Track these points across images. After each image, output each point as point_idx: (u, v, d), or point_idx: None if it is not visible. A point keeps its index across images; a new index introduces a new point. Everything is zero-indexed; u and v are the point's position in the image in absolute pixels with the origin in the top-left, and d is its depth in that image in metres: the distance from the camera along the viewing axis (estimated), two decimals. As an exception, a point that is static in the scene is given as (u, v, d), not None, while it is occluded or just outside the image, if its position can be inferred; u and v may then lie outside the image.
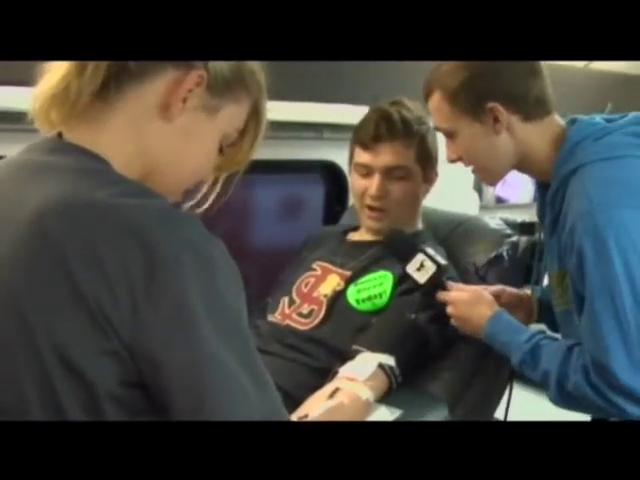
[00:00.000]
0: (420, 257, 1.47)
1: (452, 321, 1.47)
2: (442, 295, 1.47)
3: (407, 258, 1.48)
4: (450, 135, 1.37)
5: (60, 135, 0.87)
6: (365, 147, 1.65)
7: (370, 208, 1.66)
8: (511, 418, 1.58)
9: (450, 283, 1.49)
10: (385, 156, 1.63)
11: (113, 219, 0.75)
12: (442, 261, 1.49)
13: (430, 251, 1.49)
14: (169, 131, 0.87)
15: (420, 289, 1.50)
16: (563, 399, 1.28)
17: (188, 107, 0.87)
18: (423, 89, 1.39)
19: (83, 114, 0.85)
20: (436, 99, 1.36)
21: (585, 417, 1.50)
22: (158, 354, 0.74)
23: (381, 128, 1.62)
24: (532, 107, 1.34)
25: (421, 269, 1.47)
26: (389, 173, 1.63)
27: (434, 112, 1.38)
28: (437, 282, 1.48)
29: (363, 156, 1.65)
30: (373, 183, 1.63)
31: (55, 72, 0.85)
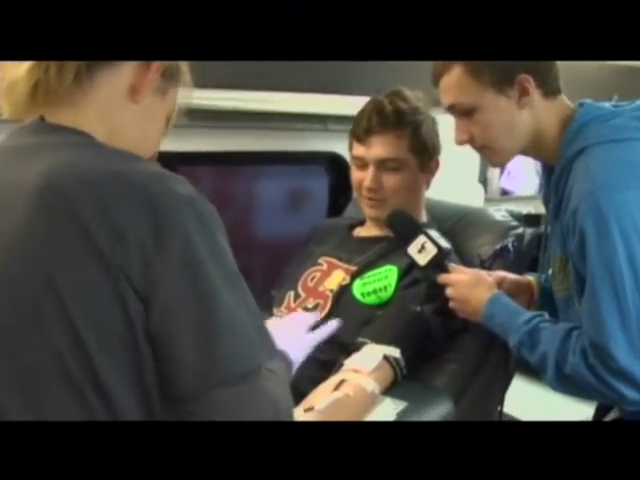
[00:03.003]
0: (422, 239, 1.47)
1: (451, 303, 1.47)
2: (442, 277, 1.47)
3: (409, 239, 1.48)
4: (469, 112, 1.34)
5: (42, 119, 0.90)
6: (359, 140, 1.66)
7: (368, 199, 1.67)
8: (512, 411, 1.58)
9: (451, 265, 1.49)
10: (377, 148, 1.63)
11: (119, 181, 0.80)
12: (443, 244, 1.48)
13: (432, 233, 1.49)
14: (136, 112, 0.94)
15: (421, 271, 1.50)
16: (560, 382, 1.27)
17: (149, 90, 0.94)
18: (436, 66, 1.35)
19: (60, 99, 0.89)
20: (456, 74, 1.32)
21: (586, 411, 1.51)
22: (171, 303, 0.78)
23: (373, 120, 1.63)
24: (551, 82, 1.34)
25: (422, 251, 1.47)
26: (383, 165, 1.64)
27: (453, 88, 1.34)
28: (438, 265, 1.47)
29: (358, 149, 1.67)
30: (367, 175, 1.64)
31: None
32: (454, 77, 1.33)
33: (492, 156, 1.41)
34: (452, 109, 1.37)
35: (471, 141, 1.37)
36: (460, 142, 1.38)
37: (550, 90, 1.33)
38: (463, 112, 1.35)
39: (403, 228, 1.52)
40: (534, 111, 1.33)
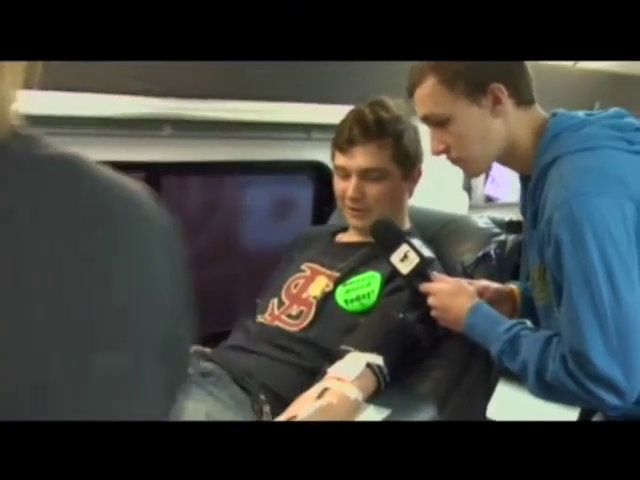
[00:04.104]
0: (404, 248, 1.48)
1: (433, 312, 1.47)
2: (424, 286, 1.48)
3: (392, 247, 1.49)
4: (443, 122, 1.35)
5: None
6: (341, 150, 1.67)
7: (351, 209, 1.68)
8: (496, 416, 1.59)
9: (433, 273, 1.50)
10: (359, 158, 1.64)
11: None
12: (426, 253, 1.49)
13: (415, 243, 1.49)
14: None
15: (403, 279, 1.51)
16: (541, 389, 1.28)
17: None
18: (411, 77, 1.36)
19: None
20: (430, 84, 1.33)
21: (569, 416, 1.52)
22: None
23: (354, 130, 1.64)
24: (524, 92, 1.35)
25: (404, 260, 1.48)
26: (365, 175, 1.65)
27: (427, 98, 1.35)
28: (420, 274, 1.48)
29: (340, 159, 1.67)
30: (350, 185, 1.65)
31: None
32: (428, 88, 1.34)
33: (466, 167, 1.42)
34: (426, 120, 1.38)
35: (447, 151, 1.38)
36: (436, 152, 1.39)
37: (523, 100, 1.35)
38: (437, 123, 1.36)
39: (386, 236, 1.53)
40: (507, 121, 1.34)
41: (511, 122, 1.34)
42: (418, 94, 1.36)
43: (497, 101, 1.32)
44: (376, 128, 1.63)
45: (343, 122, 1.68)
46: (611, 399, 1.20)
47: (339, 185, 1.70)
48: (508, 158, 1.39)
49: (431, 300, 1.47)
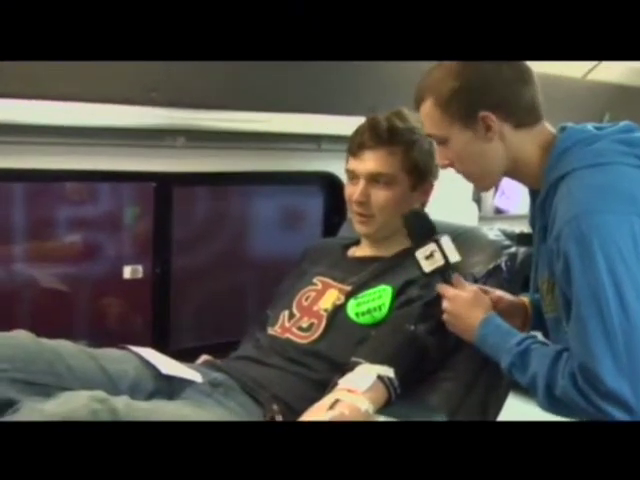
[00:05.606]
0: (432, 246, 1.47)
1: (445, 316, 1.48)
2: (443, 288, 1.48)
3: (421, 241, 1.48)
4: (442, 141, 1.38)
5: None
6: (353, 154, 1.70)
7: (357, 214, 1.69)
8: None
9: (455, 275, 1.49)
10: (368, 163, 1.66)
11: None
12: (452, 259, 1.48)
13: (444, 245, 1.48)
14: None
15: (423, 276, 1.50)
16: (551, 404, 1.28)
17: None
18: (415, 95, 1.39)
19: None
20: (428, 106, 1.36)
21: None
22: None
23: (365, 135, 1.67)
24: (523, 115, 1.35)
25: (429, 258, 1.47)
26: (373, 179, 1.66)
27: (426, 118, 1.38)
28: (441, 275, 1.48)
29: (351, 163, 1.71)
30: (357, 189, 1.66)
31: None
32: (427, 108, 1.37)
33: (474, 182, 1.46)
34: (430, 137, 1.44)
35: (451, 166, 1.41)
36: (442, 167, 1.44)
37: (522, 122, 1.35)
38: (438, 141, 1.39)
39: (418, 227, 1.51)
40: (507, 142, 1.35)
41: (511, 143, 1.35)
42: (421, 112, 1.40)
43: (488, 128, 1.33)
44: (388, 135, 1.65)
45: (358, 128, 1.71)
46: (620, 415, 1.19)
47: (348, 189, 1.72)
48: (515, 173, 1.40)
49: (445, 304, 1.47)
